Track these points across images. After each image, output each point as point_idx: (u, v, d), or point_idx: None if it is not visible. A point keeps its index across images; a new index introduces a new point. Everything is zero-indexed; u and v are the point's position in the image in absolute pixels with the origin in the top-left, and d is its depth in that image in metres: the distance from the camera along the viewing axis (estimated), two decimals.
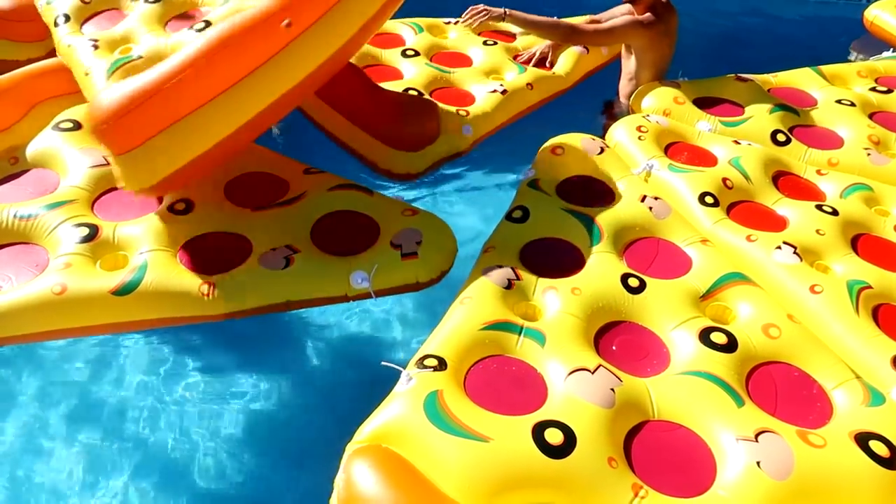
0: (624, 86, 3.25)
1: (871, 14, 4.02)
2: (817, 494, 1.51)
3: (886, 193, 2.46)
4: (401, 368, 1.74)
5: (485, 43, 3.42)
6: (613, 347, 1.89)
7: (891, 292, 2.05)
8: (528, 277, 2.04)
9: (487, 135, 2.97)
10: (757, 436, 1.60)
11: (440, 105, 2.88)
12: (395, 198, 2.38)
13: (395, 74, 3.17)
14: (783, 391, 1.78)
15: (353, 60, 2.82)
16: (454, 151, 2.84)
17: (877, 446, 1.59)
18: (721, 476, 1.56)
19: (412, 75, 3.13)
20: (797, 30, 4.61)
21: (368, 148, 2.81)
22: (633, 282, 2.03)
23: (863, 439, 1.61)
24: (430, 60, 3.28)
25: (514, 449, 1.52)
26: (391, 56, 3.28)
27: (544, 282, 2.03)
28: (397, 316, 2.66)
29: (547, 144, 2.58)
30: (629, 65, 3.19)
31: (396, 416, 1.61)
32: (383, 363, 1.74)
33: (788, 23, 4.69)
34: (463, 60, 3.34)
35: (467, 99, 3.05)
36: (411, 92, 2.98)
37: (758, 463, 1.54)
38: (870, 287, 2.03)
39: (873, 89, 3.05)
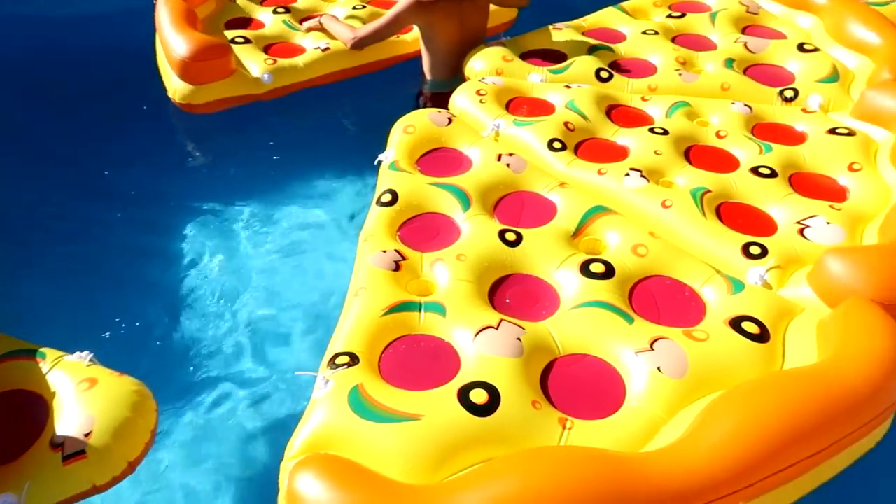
0: (423, 60, 3.28)
1: None
2: (712, 381, 1.68)
3: (703, 105, 2.74)
4: (314, 374, 1.74)
5: (354, 7, 3.58)
6: (507, 300, 1.99)
7: (727, 191, 2.30)
8: (412, 255, 2.10)
9: (296, 87, 3.15)
10: (651, 344, 1.76)
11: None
12: (78, 359, 1.77)
13: (258, 25, 3.52)
14: (661, 300, 1.96)
15: None
16: (246, 93, 3.04)
17: (748, 326, 1.81)
18: (630, 389, 1.71)
19: (265, 27, 3.46)
20: None
21: (166, 77, 3.08)
22: (510, 236, 2.14)
23: (736, 323, 1.82)
24: (294, 20, 3.51)
25: (445, 418, 1.58)
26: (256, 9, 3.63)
27: (429, 256, 2.10)
28: (291, 324, 2.63)
29: (397, 125, 2.63)
30: (422, 41, 3.23)
31: (324, 420, 1.61)
32: (296, 373, 1.73)
33: None
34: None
35: (296, 52, 3.26)
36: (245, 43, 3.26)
37: (658, 368, 1.70)
38: (709, 191, 2.27)
39: (669, 16, 3.36)
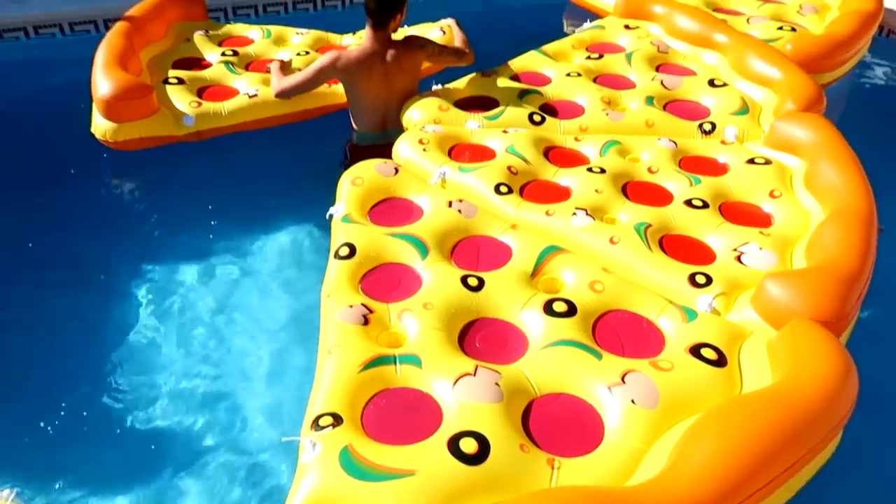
0: (350, 112, 3.31)
1: None
2: (682, 408, 1.79)
3: (632, 143, 2.91)
4: (298, 439, 1.73)
5: (298, 54, 3.71)
6: (477, 345, 2.04)
7: (666, 224, 2.45)
8: (379, 307, 2.12)
9: (221, 132, 3.22)
10: (623, 378, 1.85)
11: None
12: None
13: (205, 66, 3.62)
14: (623, 333, 2.07)
15: None
16: (166, 134, 3.13)
17: (707, 352, 1.93)
18: (608, 424, 1.78)
19: (207, 69, 3.54)
20: (522, 17, 5.15)
21: (93, 115, 3.18)
22: (472, 281, 2.19)
23: (695, 351, 1.94)
24: (239, 64, 3.62)
25: (438, 471, 1.60)
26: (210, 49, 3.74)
27: (395, 306, 2.12)
28: (252, 385, 2.57)
29: (344, 177, 2.66)
30: (346, 95, 3.26)
31: (317, 484, 1.60)
32: (283, 439, 1.71)
33: (516, 12, 5.22)
34: (260, 65, 3.64)
35: (228, 95, 3.33)
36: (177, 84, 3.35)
37: (632, 400, 1.79)
38: (651, 225, 2.42)
39: (588, 58, 3.55)
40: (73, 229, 3.22)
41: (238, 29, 4.03)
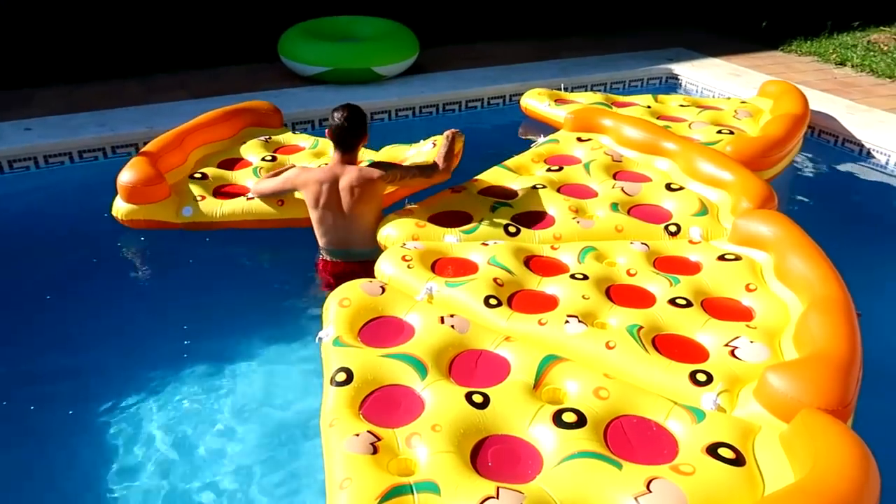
0: None
1: (525, 102, 5.07)
2: None
3: (607, 248, 3.01)
4: None
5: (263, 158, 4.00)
6: (490, 464, 1.97)
7: (656, 325, 2.50)
8: (385, 433, 2.04)
9: (211, 226, 3.53)
10: (648, 486, 1.81)
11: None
12: None
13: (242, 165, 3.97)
14: (635, 439, 2.04)
15: None
16: (163, 219, 3.53)
17: (724, 452, 1.92)
18: None
19: (239, 171, 3.87)
20: (494, 134, 5.45)
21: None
22: (477, 398, 2.15)
23: (712, 451, 1.93)
24: (266, 170, 3.82)
25: None
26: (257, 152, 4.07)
27: (402, 431, 2.05)
28: None
29: (330, 299, 2.63)
30: None
31: None
32: None
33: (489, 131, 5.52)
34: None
35: (235, 195, 3.63)
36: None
37: None
38: (642, 327, 2.46)
39: (549, 170, 3.72)
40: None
41: (294, 138, 4.29)
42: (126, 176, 3.51)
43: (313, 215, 3.27)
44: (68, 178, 4.67)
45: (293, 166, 3.57)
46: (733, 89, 5.85)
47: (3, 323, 3.23)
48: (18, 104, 5.33)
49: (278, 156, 4.01)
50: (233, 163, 3.96)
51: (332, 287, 3.00)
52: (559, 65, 6.42)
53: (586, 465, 1.90)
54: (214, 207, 3.51)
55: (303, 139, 4.26)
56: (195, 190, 3.63)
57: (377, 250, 3.11)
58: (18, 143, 4.68)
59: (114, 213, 3.59)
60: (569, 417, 2.06)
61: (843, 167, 4.97)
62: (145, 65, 6.20)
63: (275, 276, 3.52)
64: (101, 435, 2.64)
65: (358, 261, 3.24)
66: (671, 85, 6.50)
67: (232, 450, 2.56)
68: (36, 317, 3.31)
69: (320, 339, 2.50)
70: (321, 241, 3.34)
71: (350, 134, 3.16)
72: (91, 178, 4.51)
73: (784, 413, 2.03)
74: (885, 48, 7.00)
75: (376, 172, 3.21)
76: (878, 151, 4.89)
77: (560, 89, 5.33)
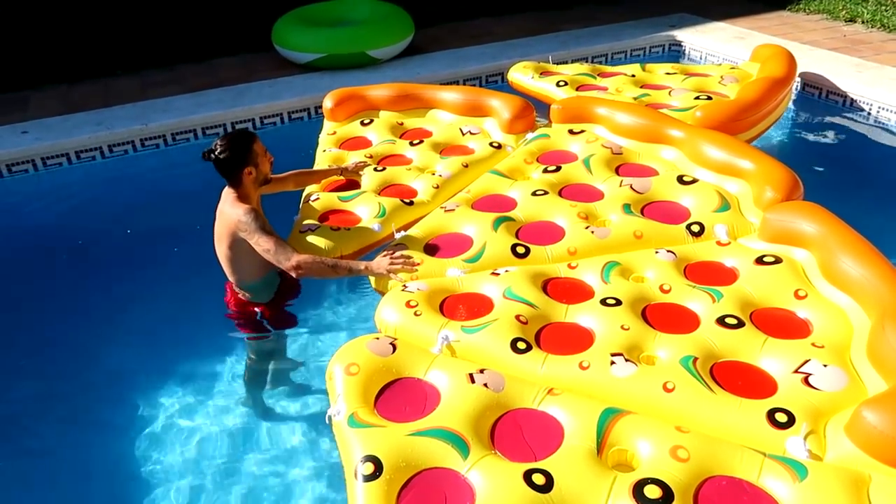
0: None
1: (511, 76, 4.82)
2: None
3: (631, 261, 2.68)
4: None
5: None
6: None
7: (710, 352, 2.20)
8: None
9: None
10: None
11: None
12: None
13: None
14: None
15: None
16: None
17: None
18: None
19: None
20: None
21: None
22: (538, 478, 1.81)
23: None
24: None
25: None
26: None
27: None
28: None
29: (333, 366, 2.23)
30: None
31: None
32: None
33: None
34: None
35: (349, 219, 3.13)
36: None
37: None
38: (697, 358, 2.15)
39: (546, 170, 3.36)
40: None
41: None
42: None
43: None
44: (67, 180, 4.71)
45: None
46: (737, 53, 5.67)
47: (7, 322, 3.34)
48: (14, 107, 5.36)
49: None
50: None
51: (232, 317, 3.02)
52: (559, 38, 6.22)
53: None
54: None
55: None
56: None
57: (244, 284, 2.92)
58: (16, 146, 4.75)
59: None
60: (652, 492, 1.75)
61: (850, 127, 4.80)
62: (138, 61, 6.22)
63: None
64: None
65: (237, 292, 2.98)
66: (674, 53, 6.32)
67: None
68: (38, 316, 3.42)
69: (330, 417, 2.12)
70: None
71: (221, 168, 2.75)
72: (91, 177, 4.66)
73: (888, 455, 1.76)
74: None
75: (235, 214, 2.72)
76: (887, 109, 4.70)
77: (548, 62, 5.01)
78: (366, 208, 3.11)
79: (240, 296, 2.95)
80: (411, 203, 3.13)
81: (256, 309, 2.98)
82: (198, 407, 2.99)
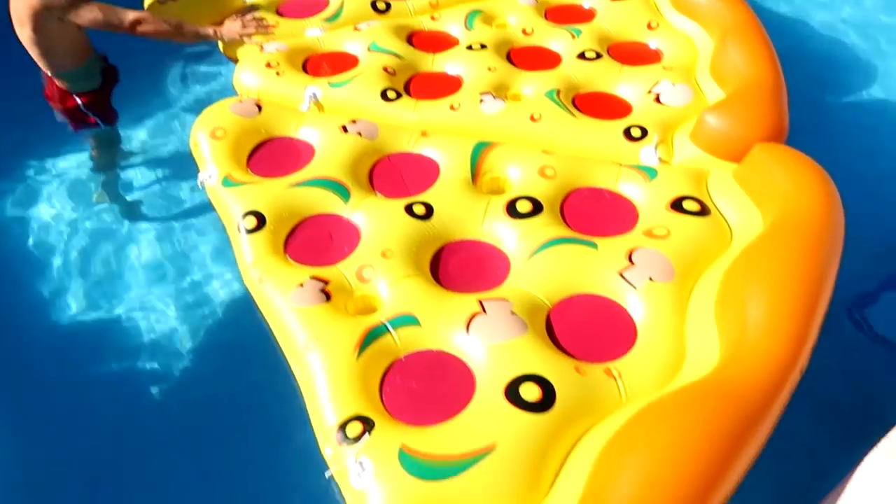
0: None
1: None
2: (694, 269, 1.70)
3: (492, 7, 2.65)
4: (335, 467, 1.41)
5: None
6: (451, 275, 1.78)
7: (572, 84, 2.29)
8: (331, 274, 1.75)
9: None
10: (629, 258, 1.71)
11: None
12: None
13: None
14: (594, 212, 1.91)
15: None
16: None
17: (689, 205, 1.84)
18: (633, 310, 1.64)
19: None
20: None
21: None
22: (419, 209, 1.89)
23: (677, 206, 1.84)
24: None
25: (516, 433, 1.38)
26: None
27: (347, 266, 1.78)
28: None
29: (197, 131, 2.13)
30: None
31: (390, 498, 1.32)
32: (327, 475, 1.39)
33: None
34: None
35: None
36: None
37: (650, 278, 1.67)
38: (559, 90, 2.24)
39: None
40: None
41: None
42: None
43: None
44: None
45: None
46: None
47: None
48: None
49: None
50: None
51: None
52: None
53: (560, 252, 1.76)
54: None
55: None
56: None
57: (62, 72, 2.46)
58: None
59: None
60: (523, 206, 1.88)
61: None
62: None
63: None
64: None
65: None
66: None
67: None
68: None
69: (202, 182, 2.06)
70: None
71: None
72: None
73: (728, 152, 1.96)
74: None
75: None
76: None
77: None
78: None
79: (58, 84, 2.51)
80: None
81: (79, 100, 2.55)
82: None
